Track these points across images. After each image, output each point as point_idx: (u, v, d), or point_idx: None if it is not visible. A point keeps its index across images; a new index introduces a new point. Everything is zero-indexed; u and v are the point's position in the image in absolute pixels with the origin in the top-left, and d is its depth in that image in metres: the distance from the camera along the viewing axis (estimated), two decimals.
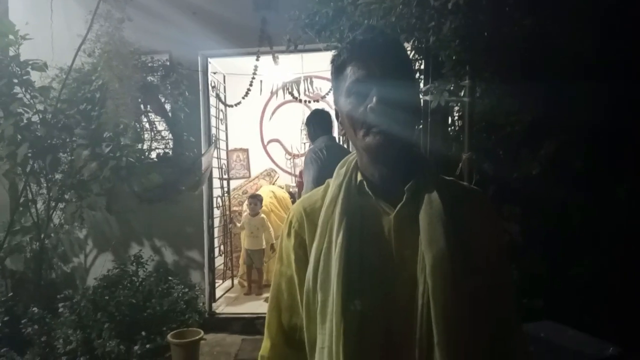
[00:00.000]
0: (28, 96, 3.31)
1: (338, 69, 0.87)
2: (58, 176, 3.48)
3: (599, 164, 2.14)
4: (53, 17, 3.81)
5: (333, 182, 0.92)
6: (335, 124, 3.92)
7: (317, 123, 3.23)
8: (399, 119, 0.80)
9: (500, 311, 0.85)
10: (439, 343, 0.74)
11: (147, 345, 3.14)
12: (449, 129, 2.56)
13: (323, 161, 2.97)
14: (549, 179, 2.16)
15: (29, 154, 3.26)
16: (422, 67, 2.38)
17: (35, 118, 3.35)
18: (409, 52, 1.99)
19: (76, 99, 3.47)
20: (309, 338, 0.87)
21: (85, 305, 3.28)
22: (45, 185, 3.52)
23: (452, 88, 2.16)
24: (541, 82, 2.03)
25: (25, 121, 3.29)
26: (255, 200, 4.76)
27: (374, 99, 0.79)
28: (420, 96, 1.94)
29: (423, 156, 0.93)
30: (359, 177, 0.88)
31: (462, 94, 2.20)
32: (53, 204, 3.56)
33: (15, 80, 3.24)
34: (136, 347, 3.08)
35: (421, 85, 2.28)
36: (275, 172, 6.20)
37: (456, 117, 2.62)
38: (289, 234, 0.94)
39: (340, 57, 0.86)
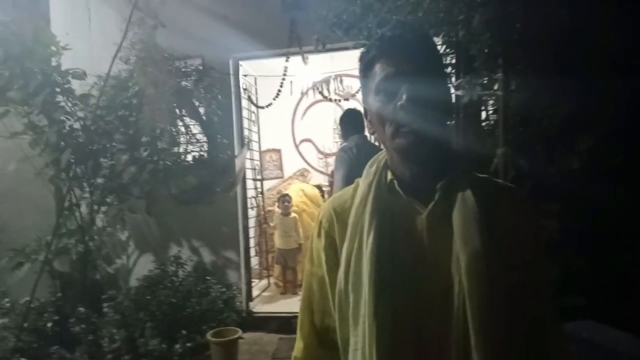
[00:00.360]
0: (69, 104, 3.46)
1: (366, 66, 0.86)
2: (99, 180, 3.61)
3: (638, 159, 2.04)
4: (91, 27, 3.97)
5: (363, 181, 0.91)
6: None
7: (349, 122, 3.23)
8: (429, 117, 0.79)
9: (537, 310, 0.82)
10: (476, 344, 0.73)
11: (188, 344, 3.22)
12: (483, 124, 2.50)
13: (353, 160, 2.96)
14: (587, 174, 2.07)
15: (72, 160, 3.41)
16: (453, 61, 2.33)
17: (76, 125, 3.49)
18: (439, 47, 1.95)
19: (114, 105, 3.60)
20: (342, 339, 0.86)
21: (128, 304, 3.39)
22: (87, 189, 3.65)
23: (485, 82, 2.11)
24: (577, 75, 1.95)
25: (67, 128, 3.44)
26: (285, 199, 4.80)
27: (404, 97, 0.78)
28: (452, 91, 1.91)
29: (455, 153, 0.91)
30: (389, 176, 0.87)
31: (495, 87, 2.14)
32: (96, 207, 3.68)
33: (58, 89, 3.39)
34: (177, 346, 3.17)
35: (452, 80, 2.24)
36: (309, 171, 6.22)
37: (490, 112, 2.56)
38: (319, 235, 0.93)
39: (369, 54, 0.85)
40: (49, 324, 3.27)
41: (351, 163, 2.95)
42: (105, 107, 3.47)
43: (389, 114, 0.81)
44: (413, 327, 0.78)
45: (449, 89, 0.89)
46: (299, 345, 0.97)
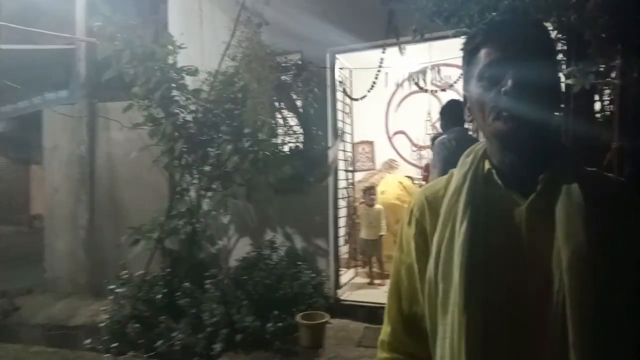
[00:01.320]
0: (183, 98, 3.80)
1: (471, 52, 0.84)
2: (207, 168, 3.91)
3: None
4: (202, 27, 4.31)
5: (458, 171, 0.90)
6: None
7: (449, 114, 3.15)
8: (534, 104, 0.76)
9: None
10: (574, 343, 0.70)
11: (279, 324, 3.39)
12: (597, 115, 2.29)
13: (451, 153, 2.89)
14: None
15: (184, 149, 3.75)
16: (564, 48, 2.16)
17: (188, 117, 3.84)
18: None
19: (222, 99, 3.88)
20: (430, 326, 0.86)
21: (228, 283, 3.67)
22: (196, 176, 3.99)
23: (600, 69, 1.93)
24: None
25: (181, 120, 3.80)
26: (371, 192, 4.87)
27: (509, 82, 0.76)
28: (562, 80, 1.78)
29: (561, 144, 0.87)
30: (487, 166, 0.85)
31: (612, 75, 1.95)
32: (203, 193, 3.99)
33: (173, 85, 3.75)
34: (269, 325, 3.36)
35: (562, 67, 2.08)
36: (395, 161, 6.12)
37: (606, 102, 2.33)
38: (409, 222, 0.94)
39: (475, 39, 0.84)
40: (159, 296, 3.61)
41: (449, 156, 2.89)
42: (213, 101, 3.75)
43: (491, 99, 0.79)
44: (505, 321, 0.76)
45: (558, 77, 0.85)
46: (385, 329, 0.99)
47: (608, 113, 2.31)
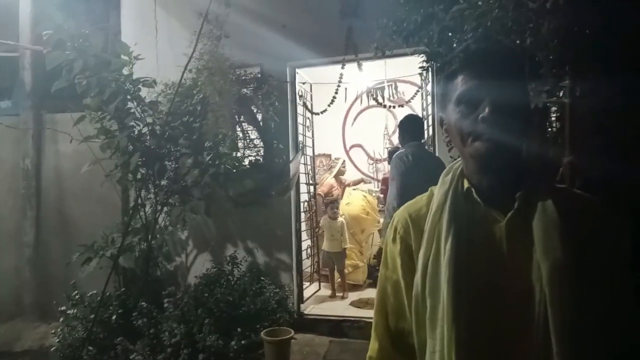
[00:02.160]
0: (139, 110, 3.68)
1: (448, 77, 0.89)
2: (164, 182, 3.80)
3: None
4: (157, 37, 4.22)
5: (438, 190, 0.93)
6: (426, 130, 3.89)
7: (407, 129, 3.24)
8: (510, 128, 0.81)
9: (621, 324, 0.80)
10: (557, 353, 0.74)
11: (243, 341, 3.30)
12: (547, 131, 2.43)
13: (408, 168, 2.98)
14: None
15: (139, 163, 3.62)
16: None
17: (144, 130, 3.71)
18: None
19: (180, 111, 3.79)
20: (418, 342, 0.88)
21: (187, 301, 3.54)
22: (152, 190, 3.85)
23: (549, 89, 2.06)
24: None
25: (136, 133, 3.67)
26: (334, 205, 4.96)
27: (487, 110, 0.81)
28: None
29: (534, 163, 0.92)
30: (466, 184, 0.89)
31: (561, 94, 2.09)
32: (159, 208, 3.86)
33: (129, 97, 3.62)
34: (233, 343, 3.27)
35: None
36: (336, 160, 6.18)
37: (553, 119, 2.49)
38: (394, 240, 0.96)
39: (452, 65, 0.89)
40: (114, 317, 3.45)
41: (406, 171, 2.97)
42: (171, 113, 3.66)
43: (469, 124, 0.83)
44: (492, 333, 0.79)
45: (528, 101, 0.90)
46: (373, 346, 1.00)
47: (556, 129, 2.47)
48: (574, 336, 0.74)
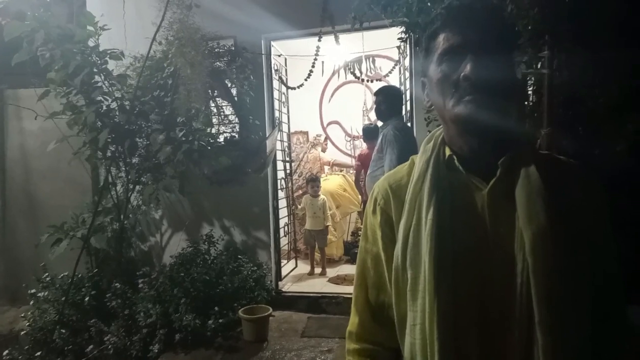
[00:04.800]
0: (107, 84, 3.51)
1: (429, 37, 0.84)
2: (135, 160, 3.67)
3: None
4: (125, 7, 4.00)
5: (420, 158, 0.89)
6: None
7: (392, 102, 3.17)
8: (493, 90, 0.76)
9: (604, 290, 0.80)
10: (539, 322, 0.72)
11: (220, 320, 3.30)
12: (525, 103, 2.42)
13: (407, 138, 2.98)
14: (634, 156, 1.99)
15: (109, 140, 3.47)
16: None
17: (113, 105, 3.56)
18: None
19: (150, 86, 3.64)
20: (398, 315, 0.86)
21: (163, 281, 3.48)
22: (123, 168, 3.73)
23: (527, 60, 2.04)
24: (627, 53, 1.86)
25: (105, 108, 3.51)
26: (315, 182, 4.91)
27: (468, 67, 0.76)
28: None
29: (517, 129, 0.89)
30: (448, 152, 0.86)
31: (539, 65, 2.07)
32: (131, 187, 3.74)
33: (96, 70, 3.44)
34: (210, 322, 3.25)
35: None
36: (319, 136, 6.18)
37: (530, 92, 2.48)
38: (374, 211, 0.93)
39: (433, 24, 0.83)
40: (87, 298, 3.38)
41: (405, 144, 2.94)
42: (141, 87, 3.51)
43: (451, 84, 0.79)
44: (475, 303, 0.77)
45: (515, 63, 0.86)
46: (353, 320, 0.98)
47: (533, 102, 2.46)
48: (557, 305, 0.72)
